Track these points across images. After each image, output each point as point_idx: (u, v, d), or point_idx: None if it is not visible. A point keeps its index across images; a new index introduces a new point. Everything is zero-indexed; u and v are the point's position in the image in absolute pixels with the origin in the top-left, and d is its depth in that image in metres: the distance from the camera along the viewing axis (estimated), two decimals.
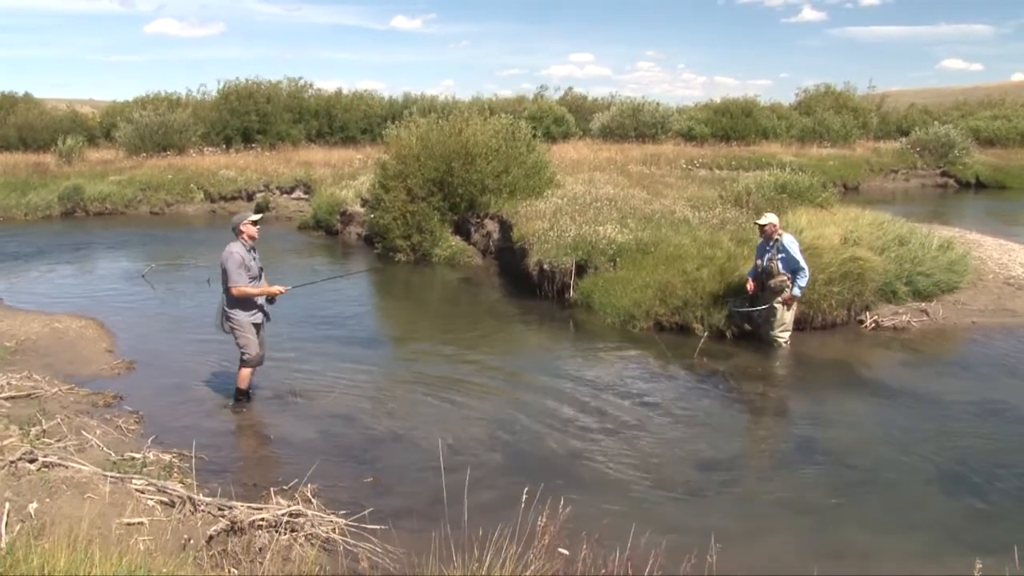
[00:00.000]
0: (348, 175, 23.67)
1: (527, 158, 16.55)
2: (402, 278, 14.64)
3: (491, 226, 15.51)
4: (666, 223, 12.71)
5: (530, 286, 12.41)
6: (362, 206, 18.75)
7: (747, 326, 9.71)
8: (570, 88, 46.77)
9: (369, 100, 39.14)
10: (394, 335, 10.90)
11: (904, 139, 34.65)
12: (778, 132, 36.64)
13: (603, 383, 8.31)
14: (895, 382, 8.40)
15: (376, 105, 38.81)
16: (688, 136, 35.89)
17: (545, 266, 11.99)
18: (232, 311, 7.36)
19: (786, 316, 9.31)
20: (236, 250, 7.24)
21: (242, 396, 7.59)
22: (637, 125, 36.49)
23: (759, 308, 9.42)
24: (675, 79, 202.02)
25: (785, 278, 9.12)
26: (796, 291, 9.19)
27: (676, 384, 8.35)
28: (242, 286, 7.22)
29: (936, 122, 35.24)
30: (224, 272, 7.24)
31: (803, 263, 9.17)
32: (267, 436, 6.96)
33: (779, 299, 9.22)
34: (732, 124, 36.46)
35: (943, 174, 32.19)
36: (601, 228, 12.14)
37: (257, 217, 7.53)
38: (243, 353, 7.46)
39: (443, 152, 15.91)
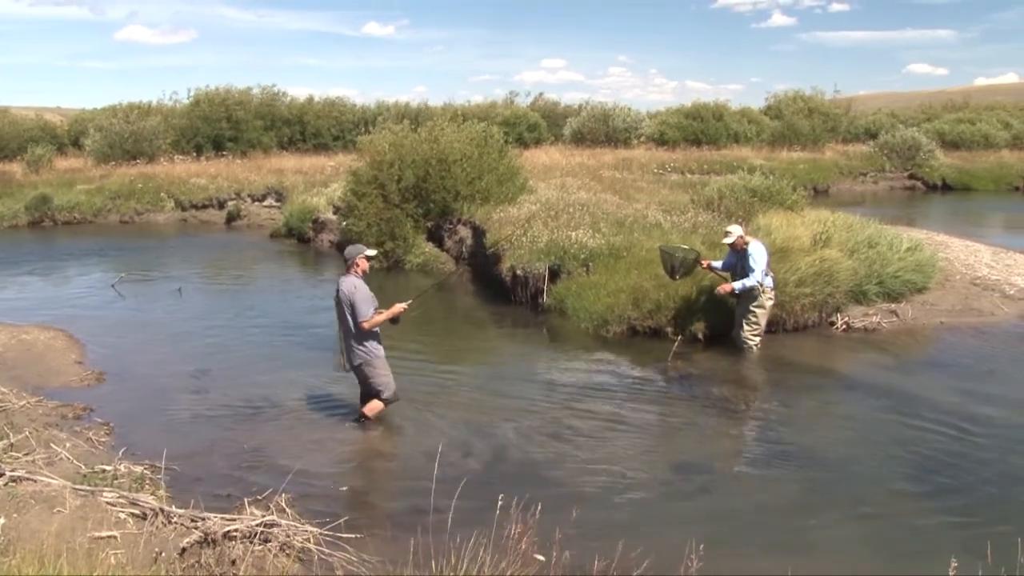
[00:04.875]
0: (320, 182, 23.54)
1: (499, 164, 16.57)
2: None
3: (464, 232, 15.49)
4: (638, 227, 12.76)
5: (503, 292, 12.41)
6: (334, 213, 18.66)
7: (672, 278, 9.60)
8: (540, 94, 47.00)
9: (341, 107, 39.04)
10: None
11: (872, 142, 35.20)
12: (749, 136, 37.04)
13: (577, 388, 8.33)
14: (866, 383, 8.51)
15: (348, 112, 38.71)
16: (659, 140, 36.14)
17: (518, 271, 12.00)
18: (366, 348, 7.12)
19: (761, 318, 9.29)
20: (358, 284, 7.08)
21: (364, 419, 7.30)
22: (608, 130, 36.71)
23: (685, 248, 9.65)
24: (647, 84, 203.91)
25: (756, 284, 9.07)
26: (736, 284, 9.00)
27: (650, 388, 8.39)
28: (371, 317, 7.03)
29: (902, 125, 35.81)
30: (351, 307, 6.99)
31: (757, 269, 8.94)
32: (241, 446, 6.88)
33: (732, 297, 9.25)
34: (703, 128, 36.79)
35: (911, 176, 32.75)
36: (574, 233, 12.16)
37: (373, 253, 7.56)
38: (381, 391, 7.18)
39: (417, 159, 15.88)
